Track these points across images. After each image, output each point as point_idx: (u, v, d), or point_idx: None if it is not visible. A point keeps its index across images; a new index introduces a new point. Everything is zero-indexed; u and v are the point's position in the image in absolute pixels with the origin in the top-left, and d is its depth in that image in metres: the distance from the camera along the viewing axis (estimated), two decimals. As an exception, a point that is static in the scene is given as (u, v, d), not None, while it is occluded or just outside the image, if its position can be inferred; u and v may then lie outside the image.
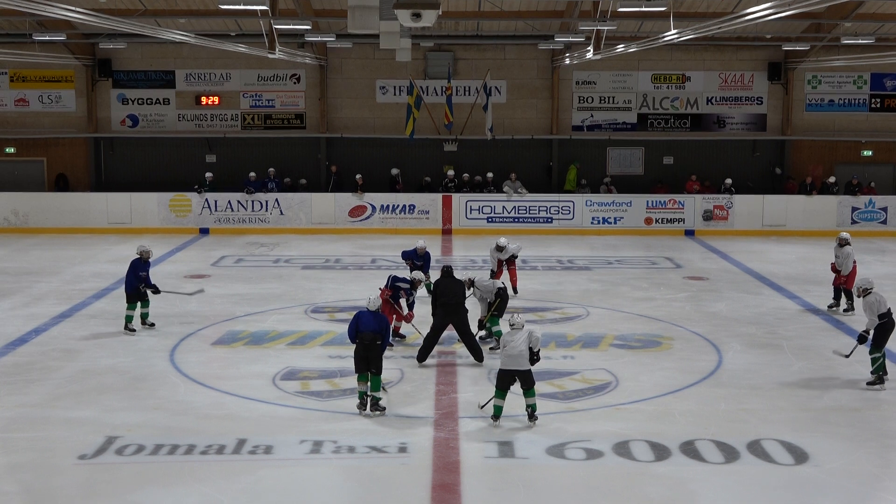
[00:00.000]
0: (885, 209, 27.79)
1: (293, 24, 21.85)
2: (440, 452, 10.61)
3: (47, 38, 24.85)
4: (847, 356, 13.41)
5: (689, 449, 10.66)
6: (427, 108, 28.69)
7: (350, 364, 13.24)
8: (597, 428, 11.34)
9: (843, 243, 17.77)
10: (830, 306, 17.93)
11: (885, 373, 13.09)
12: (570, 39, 24.19)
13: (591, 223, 27.80)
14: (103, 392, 12.69)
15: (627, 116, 30.03)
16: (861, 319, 13.80)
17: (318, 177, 29.51)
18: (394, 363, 13.93)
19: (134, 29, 18.45)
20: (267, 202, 27.63)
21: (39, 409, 12.02)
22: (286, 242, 25.64)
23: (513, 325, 11.74)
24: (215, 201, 27.60)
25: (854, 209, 27.77)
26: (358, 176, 27.99)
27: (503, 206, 27.71)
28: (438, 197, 27.67)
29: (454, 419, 11.67)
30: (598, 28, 22.00)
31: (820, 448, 10.73)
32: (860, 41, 24.59)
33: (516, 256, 19.03)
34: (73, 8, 15.40)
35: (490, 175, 28.17)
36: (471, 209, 27.68)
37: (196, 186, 27.59)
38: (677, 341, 15.47)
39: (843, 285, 17.60)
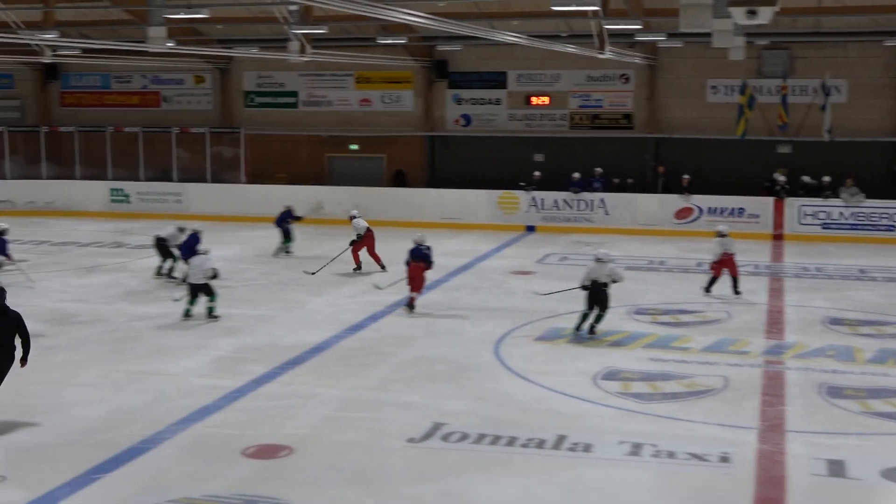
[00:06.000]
0: None
1: (624, 24, 21.78)
2: (764, 465, 10.24)
3: (390, 41, 26.28)
4: None
5: None
6: (760, 108, 27.70)
7: (673, 368, 13.18)
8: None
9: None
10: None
11: None
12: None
13: (940, 232, 25.71)
14: (432, 379, 13.27)
15: None
16: None
17: (644, 177, 29.27)
18: (716, 370, 13.61)
19: (469, 31, 19.09)
20: (592, 201, 27.75)
21: (374, 391, 12.76)
22: (610, 242, 25.53)
23: (600, 258, 15.51)
24: (542, 199, 28.07)
25: None
26: (685, 177, 27.48)
27: (840, 212, 26.22)
28: (770, 201, 26.62)
29: (780, 432, 11.21)
30: (956, 21, 20.36)
31: None
32: None
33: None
34: (414, 12, 16.19)
35: (826, 179, 26.73)
36: (804, 214, 26.41)
37: (523, 184, 28.18)
38: None
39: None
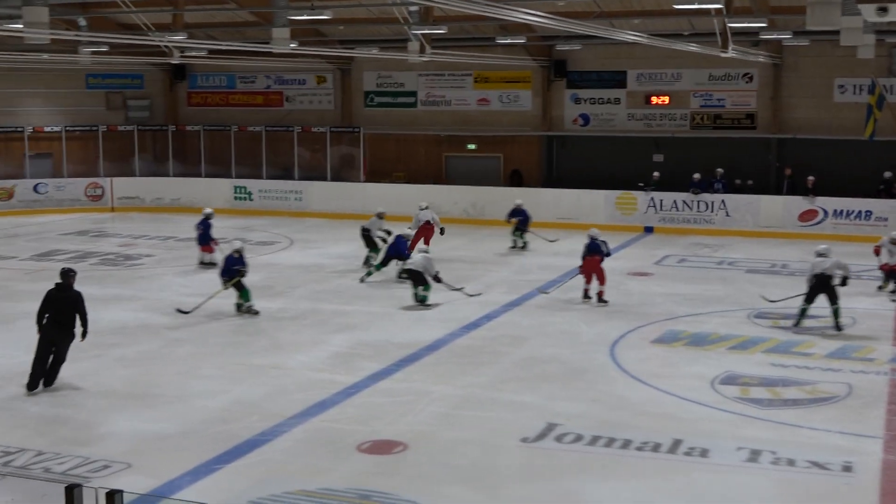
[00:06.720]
0: None
1: (748, 23, 21.32)
2: (889, 476, 9.90)
3: (508, 41, 26.27)
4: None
5: None
6: (890, 108, 26.79)
7: (794, 374, 12.90)
8: None
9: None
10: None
11: None
12: None
13: None
14: (546, 380, 13.22)
15: None
16: None
17: (767, 178, 28.57)
18: (839, 377, 13.23)
19: (589, 31, 18.95)
20: (713, 203, 27.24)
21: (487, 390, 12.78)
22: (731, 244, 25.09)
23: (822, 253, 15.85)
24: (661, 200, 27.68)
25: None
26: (810, 178, 26.72)
27: (974, 216, 25.19)
28: (899, 203, 25.71)
29: (907, 442, 10.84)
30: None
31: None
32: None
33: None
34: (534, 12, 16.15)
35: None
36: (936, 217, 25.45)
37: (641, 185, 27.84)
38: None
39: None
